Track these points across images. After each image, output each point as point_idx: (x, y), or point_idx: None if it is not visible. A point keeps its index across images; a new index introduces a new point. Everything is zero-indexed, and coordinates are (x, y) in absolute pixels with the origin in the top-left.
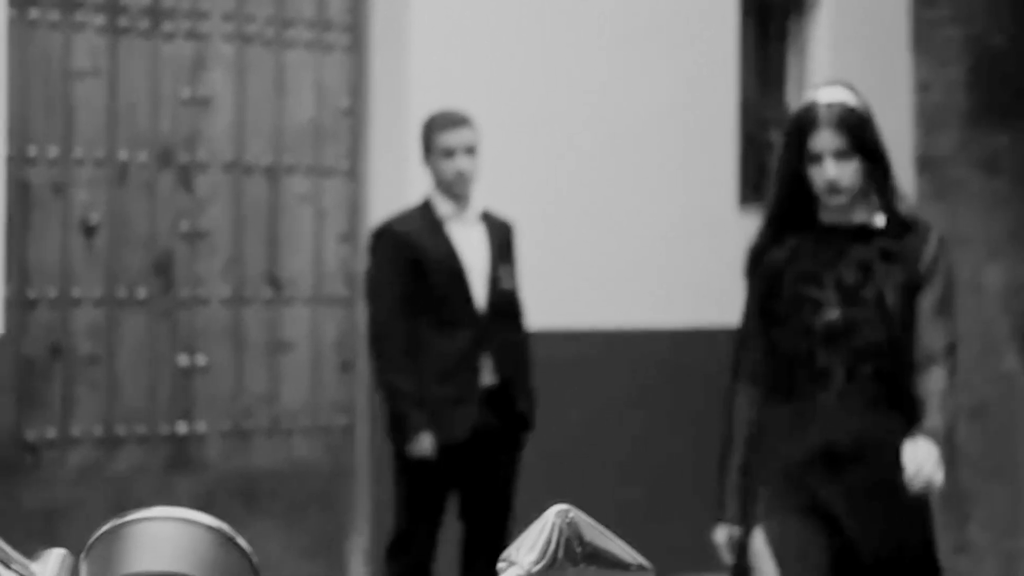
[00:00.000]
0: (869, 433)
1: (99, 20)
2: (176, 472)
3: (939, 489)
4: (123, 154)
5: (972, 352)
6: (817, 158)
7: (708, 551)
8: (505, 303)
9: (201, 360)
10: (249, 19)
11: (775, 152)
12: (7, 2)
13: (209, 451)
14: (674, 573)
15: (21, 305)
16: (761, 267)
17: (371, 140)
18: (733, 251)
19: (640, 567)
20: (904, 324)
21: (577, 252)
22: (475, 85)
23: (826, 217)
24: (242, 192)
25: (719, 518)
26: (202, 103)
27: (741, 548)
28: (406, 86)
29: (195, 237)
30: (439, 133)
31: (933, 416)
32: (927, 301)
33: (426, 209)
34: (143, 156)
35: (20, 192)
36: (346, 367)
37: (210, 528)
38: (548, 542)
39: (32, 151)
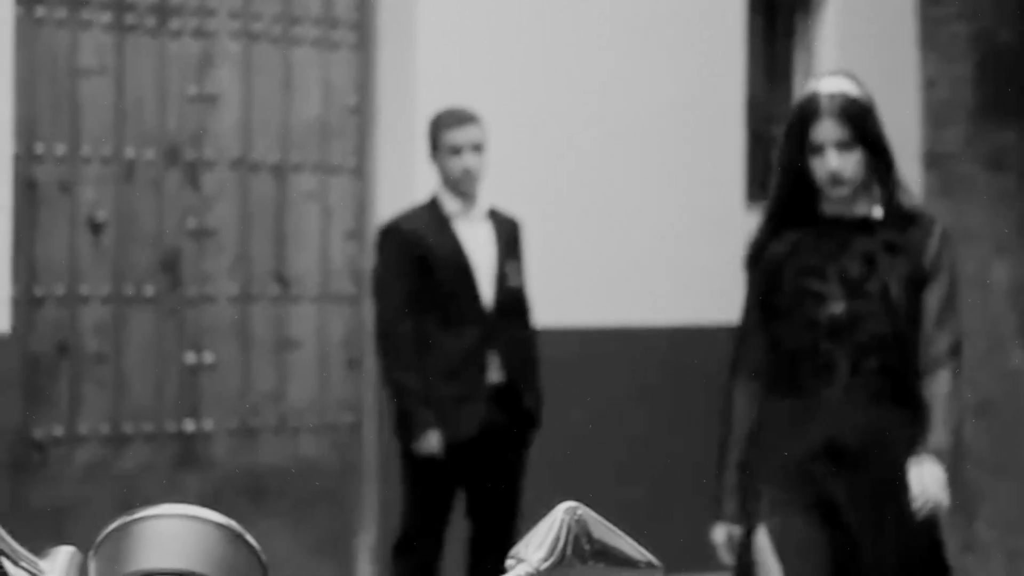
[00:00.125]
0: (874, 428)
1: (106, 18)
2: (183, 470)
3: (945, 510)
4: (130, 152)
5: (978, 349)
6: (819, 149)
7: (711, 550)
8: (512, 300)
9: (208, 358)
10: (256, 17)
11: (776, 144)
12: (14, 0)
13: (216, 449)
14: (678, 571)
15: (28, 303)
16: (762, 261)
17: (378, 138)
18: (740, 249)
19: (649, 564)
20: (909, 317)
21: (583, 250)
22: (482, 83)
23: (828, 209)
24: (249, 190)
25: (717, 516)
26: (209, 101)
27: (744, 546)
28: (413, 84)
29: (202, 235)
30: (446, 131)
31: (938, 431)
32: (933, 298)
33: (433, 207)
34: (150, 154)
35: (27, 190)
36: (353, 365)
37: (219, 525)
38: (557, 539)
39: (39, 149)
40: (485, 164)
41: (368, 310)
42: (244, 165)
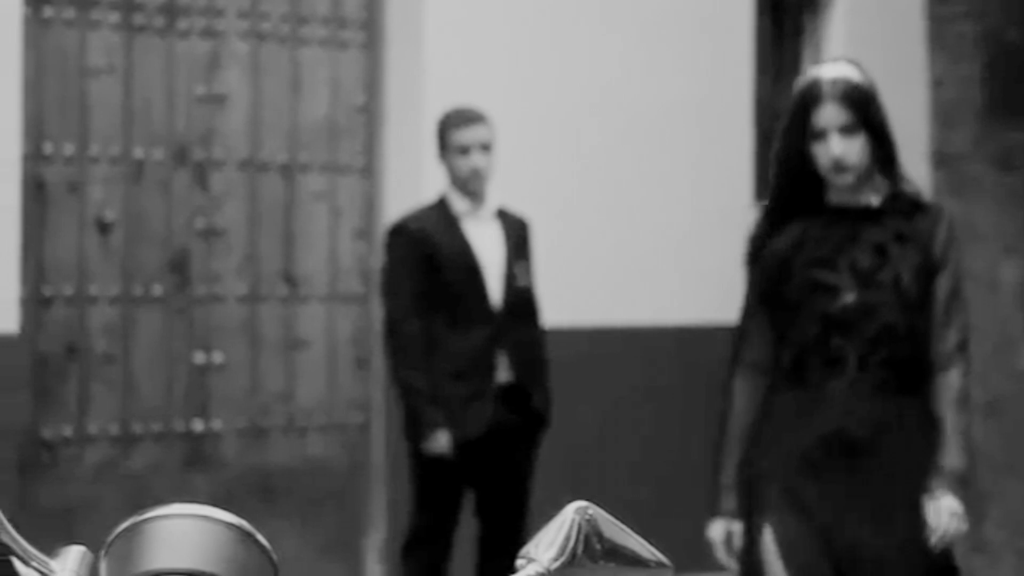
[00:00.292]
0: (880, 419)
1: (114, 18)
2: (192, 470)
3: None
4: (138, 152)
5: (987, 349)
6: (821, 134)
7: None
8: (521, 300)
9: (217, 358)
10: (264, 16)
11: (777, 132)
12: (22, 0)
13: (225, 449)
14: (689, 571)
15: (37, 303)
16: (765, 255)
17: (386, 137)
18: None
19: (659, 564)
20: (919, 307)
21: (592, 249)
22: (490, 82)
23: (834, 198)
24: (257, 189)
25: (715, 512)
26: (217, 100)
27: (748, 544)
28: (421, 83)
29: (211, 234)
30: (454, 130)
31: (951, 453)
32: (941, 289)
33: (441, 206)
34: (158, 154)
35: (36, 190)
36: (362, 364)
37: (230, 525)
38: (567, 539)
39: (48, 149)
40: (493, 164)
41: (377, 310)
42: (252, 165)
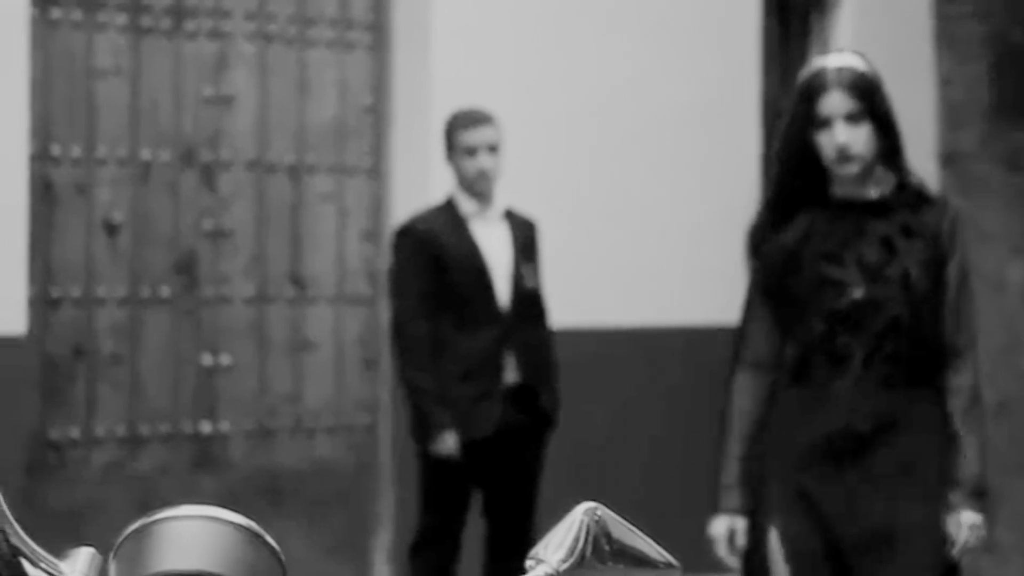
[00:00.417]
0: (886, 413)
1: (121, 19)
2: (200, 471)
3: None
4: (146, 153)
5: (995, 349)
6: (826, 122)
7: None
8: (528, 301)
9: (224, 359)
10: (271, 18)
11: (779, 123)
12: (29, 1)
13: (233, 450)
14: (697, 572)
15: (44, 305)
16: (770, 249)
17: (394, 138)
18: None
19: (668, 565)
20: (927, 300)
21: (599, 250)
22: (497, 83)
23: (839, 191)
24: (265, 191)
25: (718, 509)
26: (225, 102)
27: (753, 544)
28: (429, 84)
29: (218, 236)
30: (461, 131)
31: (969, 462)
32: (951, 284)
33: (449, 207)
34: (166, 155)
35: (43, 191)
36: (369, 366)
37: (239, 526)
38: (577, 540)
39: (55, 150)
40: (501, 165)
41: (384, 311)
42: (260, 166)
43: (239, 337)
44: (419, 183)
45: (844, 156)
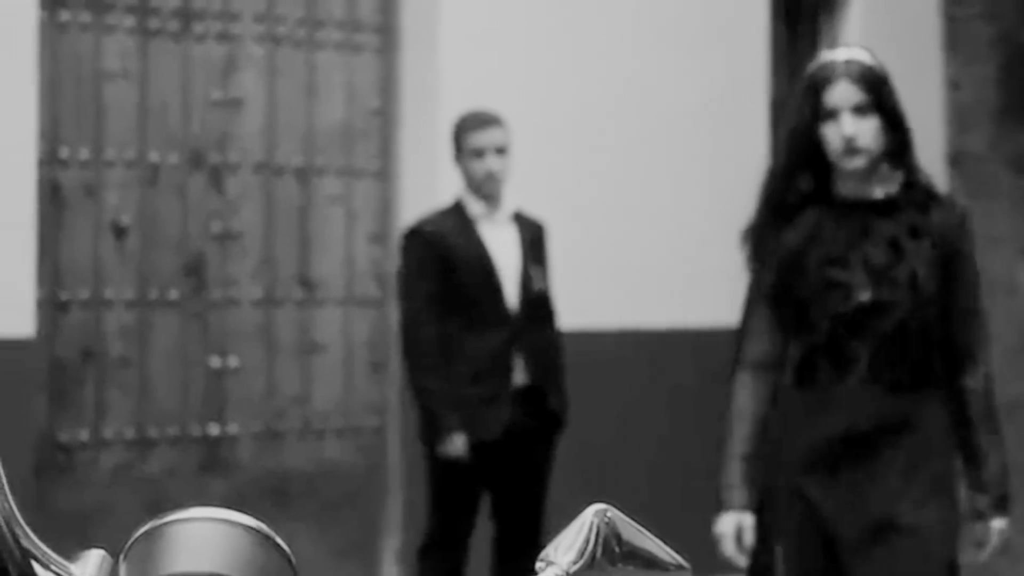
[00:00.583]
0: (890, 414)
1: (129, 22)
2: (208, 474)
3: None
4: (154, 156)
5: (1005, 351)
6: (833, 114)
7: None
8: (537, 303)
9: (233, 361)
10: (280, 20)
11: (783, 116)
12: (38, 4)
13: (241, 452)
14: (707, 573)
15: (53, 307)
16: (774, 249)
17: (402, 141)
18: None
19: (678, 566)
20: (934, 302)
21: (607, 252)
22: (505, 85)
23: (844, 190)
24: (273, 193)
25: (722, 507)
26: (233, 104)
27: (760, 544)
28: (437, 86)
29: (226, 238)
30: (469, 133)
31: (990, 468)
32: (961, 285)
33: (457, 209)
34: (174, 158)
35: (52, 194)
36: (378, 368)
37: (249, 528)
38: (587, 542)
39: (63, 153)
40: (509, 167)
41: (392, 313)
42: (268, 168)
43: (247, 339)
44: (427, 185)
45: (851, 148)
